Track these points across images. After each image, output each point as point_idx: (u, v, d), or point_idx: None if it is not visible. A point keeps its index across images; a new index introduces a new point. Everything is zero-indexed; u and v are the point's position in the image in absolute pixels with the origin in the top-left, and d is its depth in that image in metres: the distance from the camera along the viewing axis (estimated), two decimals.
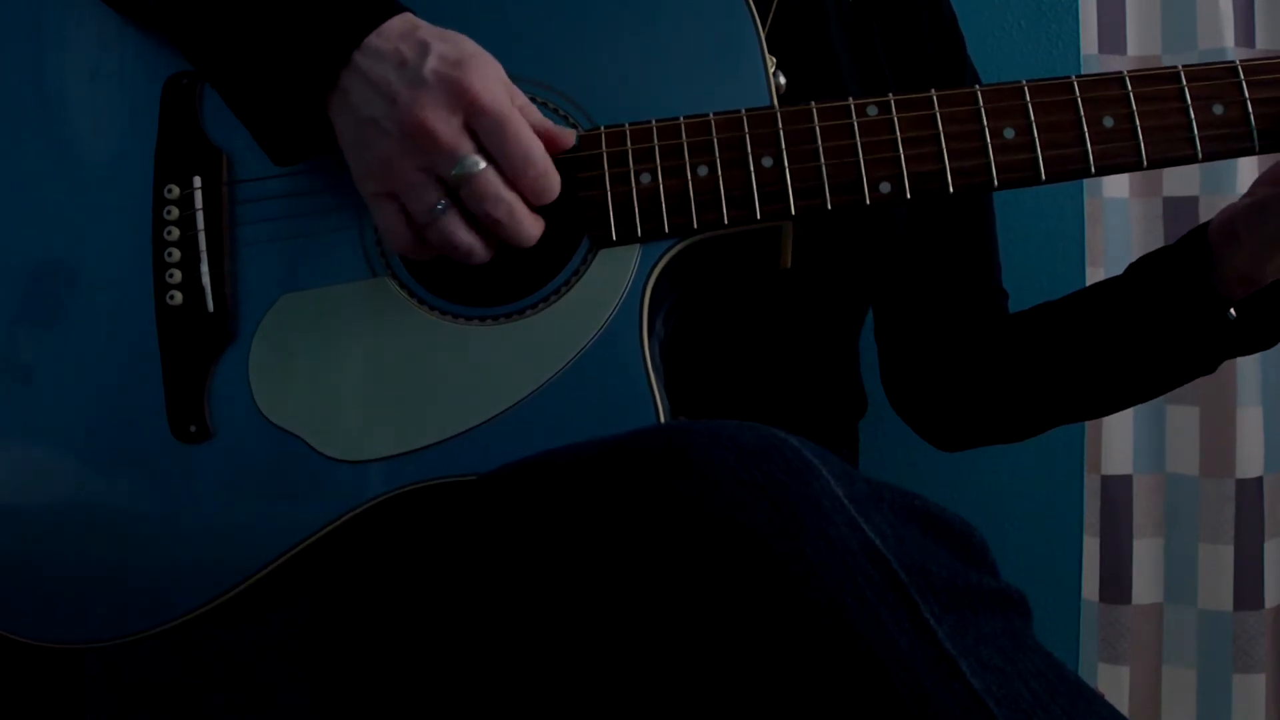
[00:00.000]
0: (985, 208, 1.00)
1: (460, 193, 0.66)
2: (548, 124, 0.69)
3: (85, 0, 0.77)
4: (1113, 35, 1.28)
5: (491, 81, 0.66)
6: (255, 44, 0.69)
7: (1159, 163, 0.70)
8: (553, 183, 0.67)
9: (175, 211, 0.74)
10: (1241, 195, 0.79)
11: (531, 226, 0.68)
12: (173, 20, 0.73)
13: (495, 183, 0.66)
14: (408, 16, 0.68)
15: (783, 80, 0.73)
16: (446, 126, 0.65)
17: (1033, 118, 0.70)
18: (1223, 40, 1.23)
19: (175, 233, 0.74)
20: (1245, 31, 1.25)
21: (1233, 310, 0.79)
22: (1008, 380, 0.94)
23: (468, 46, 0.67)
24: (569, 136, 0.70)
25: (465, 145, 0.65)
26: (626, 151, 0.71)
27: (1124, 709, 1.25)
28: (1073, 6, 1.29)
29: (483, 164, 0.66)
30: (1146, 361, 0.84)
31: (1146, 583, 1.28)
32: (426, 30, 0.67)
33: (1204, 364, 0.83)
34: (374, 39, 0.67)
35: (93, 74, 0.77)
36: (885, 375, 1.04)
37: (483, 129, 0.66)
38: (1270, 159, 0.75)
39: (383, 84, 0.66)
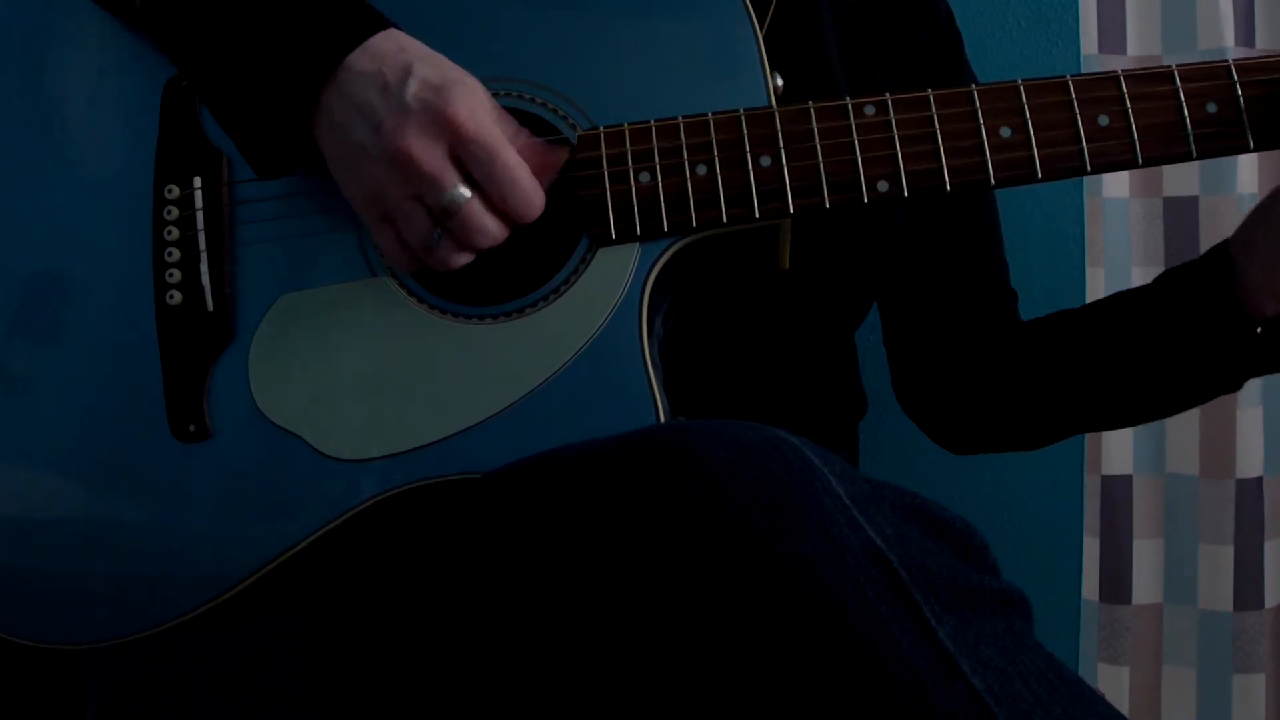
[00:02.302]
0: (989, 208, 1.00)
1: (446, 224, 0.67)
2: (539, 143, 0.69)
3: (85, 4, 0.78)
4: (1113, 35, 1.28)
5: (476, 108, 0.66)
6: (238, 61, 0.69)
7: (1154, 160, 0.70)
8: (538, 202, 0.68)
9: (175, 212, 0.74)
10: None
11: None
12: (160, 32, 0.73)
13: (480, 214, 0.67)
14: (391, 34, 0.68)
15: (780, 81, 0.73)
16: (430, 155, 0.65)
17: (1029, 117, 0.70)
18: (1223, 40, 1.23)
19: (175, 233, 0.74)
20: (1245, 31, 1.25)
21: (1259, 328, 0.78)
22: (1022, 387, 0.93)
23: (451, 72, 0.66)
24: (561, 155, 0.70)
25: (449, 176, 0.65)
26: (625, 151, 0.71)
27: (1124, 709, 1.25)
28: (1073, 6, 1.29)
29: (467, 194, 0.66)
30: (1170, 376, 0.83)
31: (1146, 583, 1.28)
32: (412, 51, 0.67)
33: (1229, 381, 0.81)
34: (356, 58, 0.66)
35: (93, 76, 0.77)
36: (895, 378, 1.04)
37: (468, 156, 0.66)
38: (1269, 155, 0.75)
39: (366, 108, 0.66)
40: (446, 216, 0.66)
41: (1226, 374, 0.81)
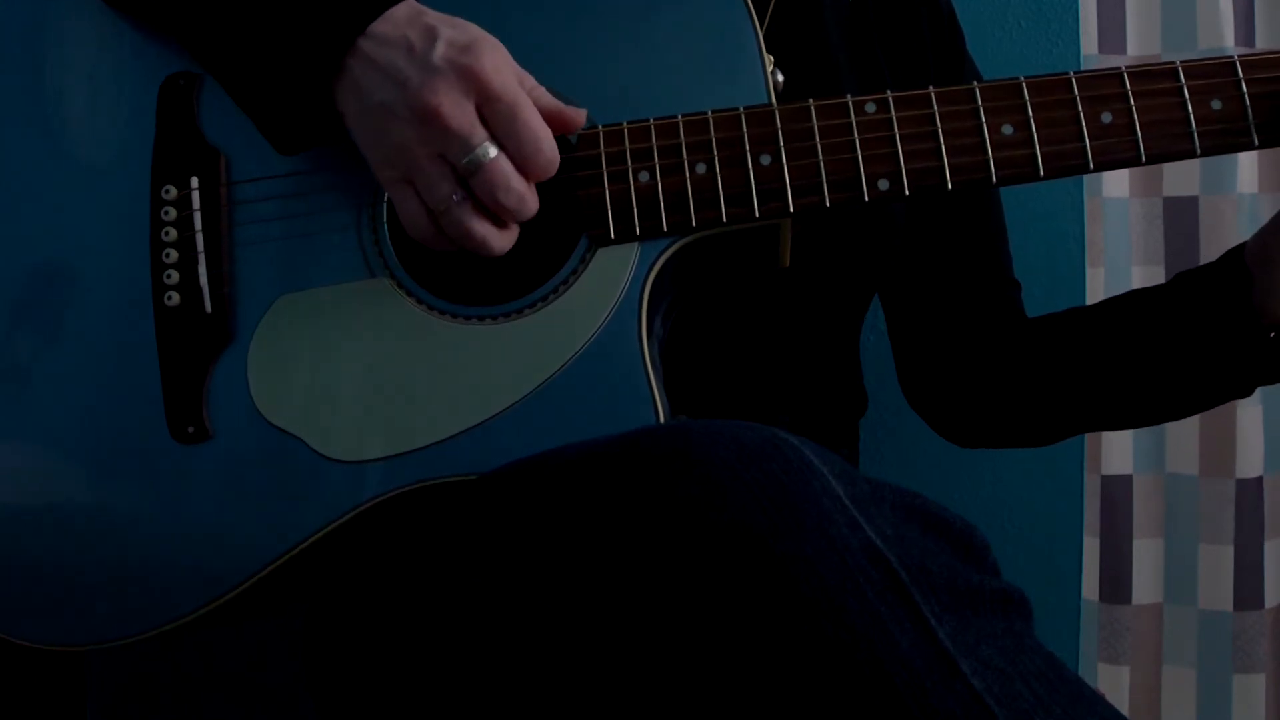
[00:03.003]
0: (992, 200, 1.00)
1: (471, 181, 0.66)
2: (559, 105, 0.69)
3: (86, 2, 0.77)
4: (1113, 35, 1.28)
5: (501, 66, 0.66)
6: (259, 31, 0.69)
7: (1158, 158, 0.70)
8: (555, 165, 0.67)
9: (173, 212, 0.74)
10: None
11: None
12: (173, 11, 0.73)
13: (506, 171, 0.66)
14: (412, 3, 0.68)
15: (780, 78, 0.73)
16: (459, 111, 0.65)
17: (1031, 114, 0.70)
18: (1223, 40, 1.23)
19: (173, 233, 0.74)
20: (1245, 31, 1.25)
21: (1273, 334, 0.77)
22: (1029, 381, 0.93)
23: (474, 31, 0.67)
24: (580, 116, 0.70)
25: (478, 131, 0.65)
26: (625, 150, 0.71)
27: (1124, 709, 1.25)
28: (1073, 6, 1.29)
29: (494, 151, 0.65)
30: (1180, 379, 0.83)
31: (1146, 583, 1.28)
32: (433, 16, 0.67)
33: (1239, 387, 0.81)
34: (381, 25, 0.67)
35: (90, 75, 0.77)
36: (900, 371, 1.04)
37: (494, 114, 0.65)
38: (1270, 154, 0.75)
39: (392, 70, 0.66)
40: (471, 174, 0.66)
41: (1237, 380, 0.81)
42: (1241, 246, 0.80)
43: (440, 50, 0.65)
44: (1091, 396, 0.90)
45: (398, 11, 0.67)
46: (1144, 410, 0.90)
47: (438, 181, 0.66)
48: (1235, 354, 0.79)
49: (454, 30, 0.66)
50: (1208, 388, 0.83)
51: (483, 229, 0.67)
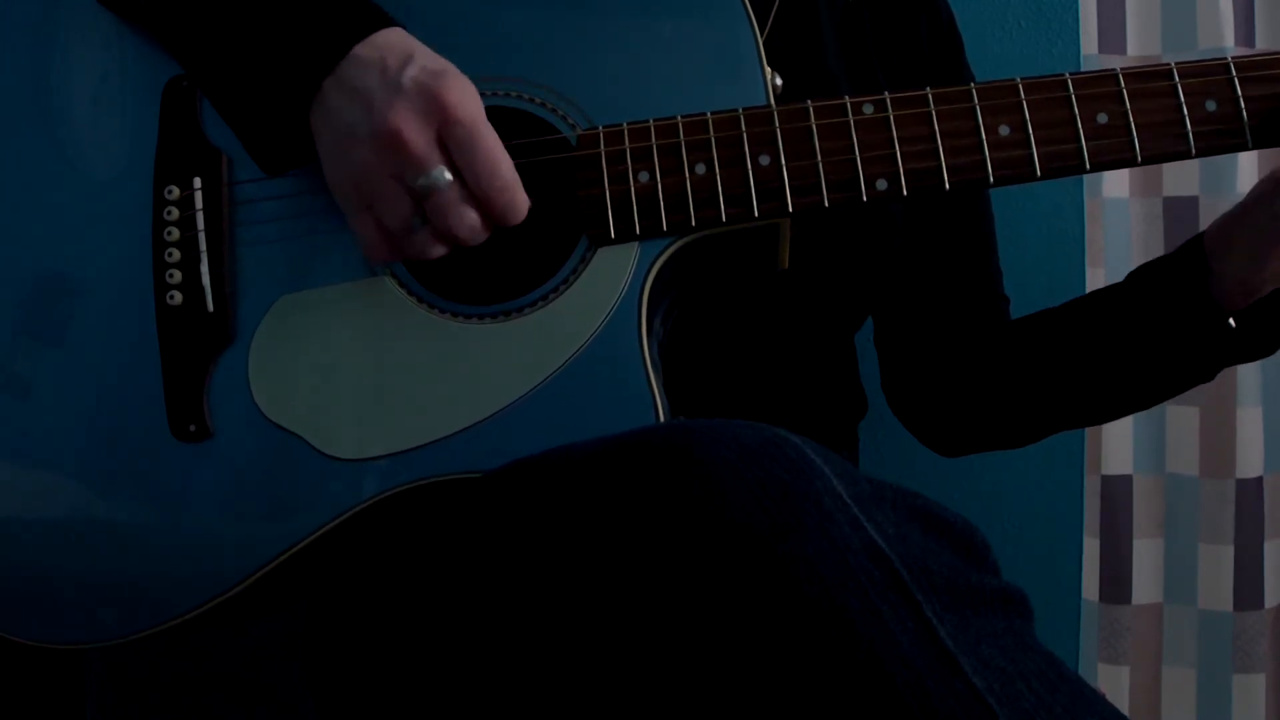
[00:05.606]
0: (984, 215, 1.00)
1: (424, 205, 0.66)
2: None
3: (86, 4, 0.78)
4: (1113, 35, 1.29)
5: (469, 95, 0.66)
6: (246, 53, 0.69)
7: (1153, 159, 0.70)
8: (519, 201, 0.67)
9: (175, 212, 0.74)
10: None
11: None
12: (167, 28, 0.73)
13: (458, 201, 0.66)
14: (399, 31, 0.68)
15: (779, 81, 0.73)
16: (418, 135, 0.65)
17: (1028, 115, 0.70)
18: (1223, 40, 1.23)
19: (175, 233, 0.74)
20: (1245, 31, 1.25)
21: (1232, 320, 0.79)
22: (1008, 387, 0.94)
23: (450, 64, 0.67)
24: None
25: (434, 157, 0.65)
26: (625, 151, 0.71)
27: (1124, 709, 1.25)
28: (1073, 6, 1.29)
29: (449, 178, 0.66)
30: (1146, 370, 0.84)
31: (1146, 583, 1.28)
32: (414, 44, 0.67)
33: (1203, 373, 0.83)
34: (362, 48, 0.67)
35: (94, 78, 0.77)
36: (886, 381, 1.04)
37: (453, 139, 0.66)
38: (1269, 155, 0.75)
39: (362, 91, 0.66)
40: (424, 197, 0.66)
41: (1200, 366, 0.82)
42: (1200, 236, 0.80)
43: (411, 73, 0.65)
44: (1064, 394, 0.91)
45: (381, 37, 0.67)
46: (1114, 404, 0.92)
47: (396, 206, 0.66)
48: (1196, 344, 0.80)
49: (430, 59, 0.66)
50: (1172, 378, 0.84)
51: (442, 250, 0.68)
